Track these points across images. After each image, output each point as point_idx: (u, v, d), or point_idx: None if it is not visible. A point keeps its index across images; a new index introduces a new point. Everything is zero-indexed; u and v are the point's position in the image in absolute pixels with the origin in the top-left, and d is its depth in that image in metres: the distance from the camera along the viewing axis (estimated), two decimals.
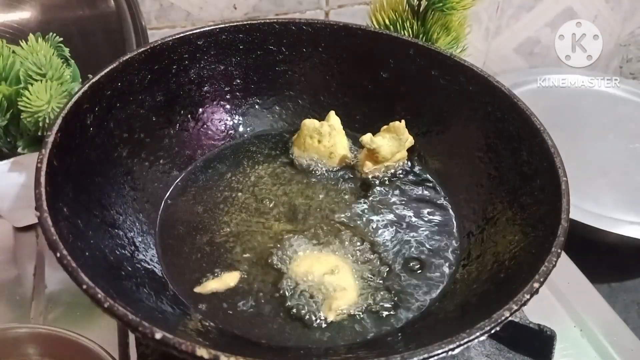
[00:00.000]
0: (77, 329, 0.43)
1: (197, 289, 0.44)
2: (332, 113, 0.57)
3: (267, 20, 0.56)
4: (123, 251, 0.43)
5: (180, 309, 0.42)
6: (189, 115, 0.56)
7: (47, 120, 0.50)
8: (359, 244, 0.48)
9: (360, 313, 0.43)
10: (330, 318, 0.43)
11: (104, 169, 0.46)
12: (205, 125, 0.57)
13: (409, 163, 0.57)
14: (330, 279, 0.45)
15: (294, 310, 0.43)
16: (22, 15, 0.62)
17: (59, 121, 0.41)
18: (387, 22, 0.63)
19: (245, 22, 0.55)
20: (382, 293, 0.45)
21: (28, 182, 0.54)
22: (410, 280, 0.46)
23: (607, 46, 0.96)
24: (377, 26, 0.63)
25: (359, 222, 0.51)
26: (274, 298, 0.44)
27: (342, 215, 0.51)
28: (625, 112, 0.88)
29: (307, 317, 0.43)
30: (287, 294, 0.44)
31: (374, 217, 0.51)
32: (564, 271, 0.60)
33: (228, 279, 0.45)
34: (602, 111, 0.88)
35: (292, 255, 0.47)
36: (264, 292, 0.44)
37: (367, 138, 0.53)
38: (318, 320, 0.42)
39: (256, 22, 0.56)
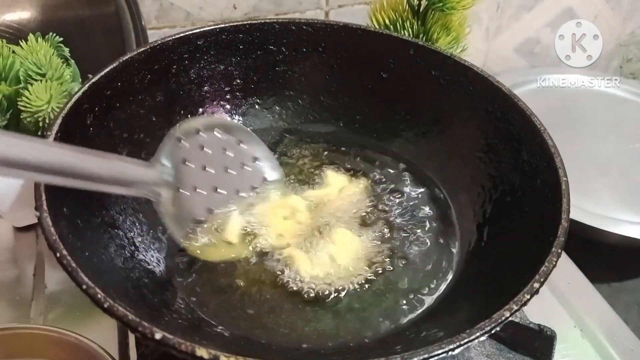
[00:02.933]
0: (77, 329, 0.42)
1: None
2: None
3: (267, 20, 0.56)
4: (123, 251, 0.43)
5: (179, 309, 0.42)
6: (189, 115, 0.55)
7: (47, 120, 0.50)
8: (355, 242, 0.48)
9: (357, 310, 0.43)
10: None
11: None
12: None
13: (405, 164, 0.57)
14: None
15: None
16: (22, 15, 0.62)
17: (59, 121, 0.41)
18: (387, 22, 0.63)
19: (245, 22, 0.55)
20: (380, 291, 0.45)
21: (28, 182, 0.54)
22: (409, 280, 0.46)
23: (607, 46, 0.96)
24: (377, 26, 0.63)
25: (356, 222, 0.51)
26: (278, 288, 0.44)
27: (342, 215, 0.51)
28: (625, 112, 0.88)
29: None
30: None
31: (373, 217, 0.51)
32: (564, 271, 0.60)
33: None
34: (602, 111, 0.88)
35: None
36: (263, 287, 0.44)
37: None
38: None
39: (256, 22, 0.56)
